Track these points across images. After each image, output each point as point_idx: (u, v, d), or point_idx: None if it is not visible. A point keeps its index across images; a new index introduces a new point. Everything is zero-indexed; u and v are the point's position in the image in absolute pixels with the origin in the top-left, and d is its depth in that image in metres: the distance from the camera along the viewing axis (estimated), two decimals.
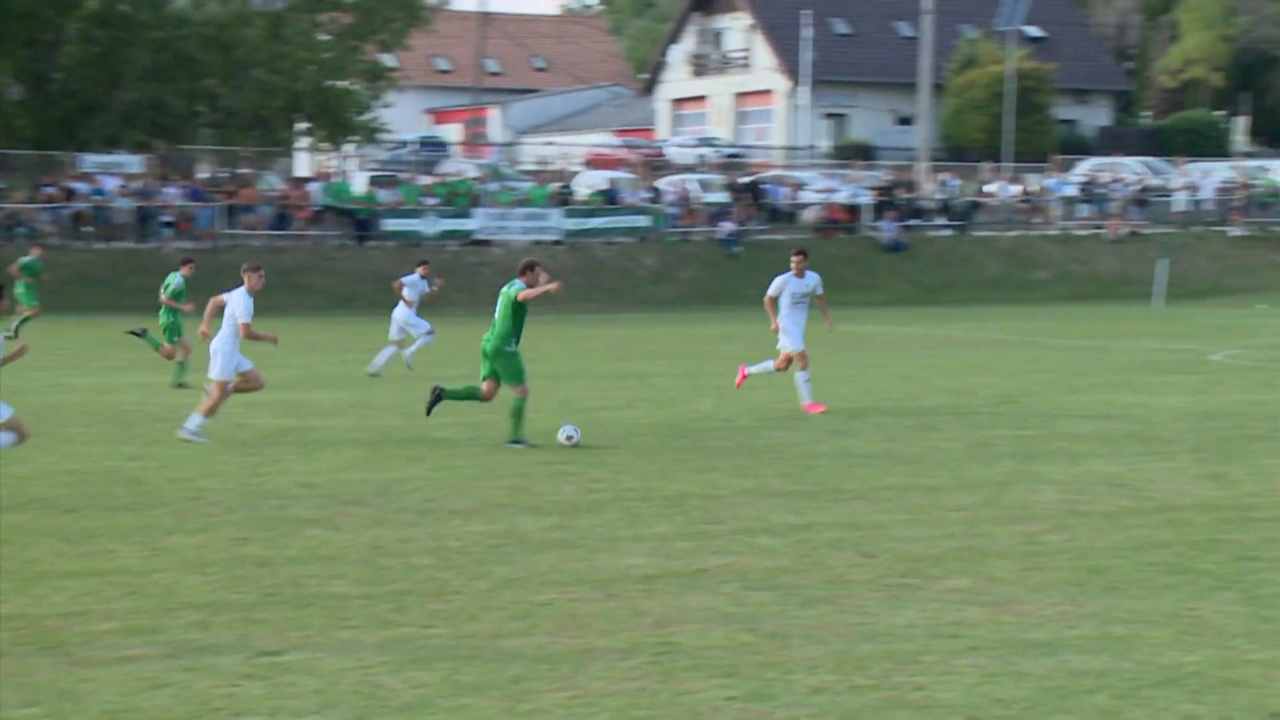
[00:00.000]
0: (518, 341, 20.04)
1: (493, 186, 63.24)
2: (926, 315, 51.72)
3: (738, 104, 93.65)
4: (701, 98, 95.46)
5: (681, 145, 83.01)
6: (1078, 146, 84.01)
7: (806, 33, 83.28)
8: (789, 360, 23.95)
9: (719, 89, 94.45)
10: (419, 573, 13.03)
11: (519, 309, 19.83)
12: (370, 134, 68.51)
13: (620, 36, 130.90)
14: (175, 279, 28.30)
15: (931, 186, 69.17)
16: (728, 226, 61.79)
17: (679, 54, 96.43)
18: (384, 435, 21.56)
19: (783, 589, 12.65)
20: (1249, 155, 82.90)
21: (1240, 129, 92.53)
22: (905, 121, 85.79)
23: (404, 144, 78.03)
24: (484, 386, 20.36)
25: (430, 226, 59.02)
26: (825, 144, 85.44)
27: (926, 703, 9.68)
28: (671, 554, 13.88)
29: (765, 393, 25.97)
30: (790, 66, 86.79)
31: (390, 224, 59.01)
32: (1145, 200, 68.74)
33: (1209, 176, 70.89)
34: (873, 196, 65.40)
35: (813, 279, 23.88)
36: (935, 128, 79.29)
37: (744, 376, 24.89)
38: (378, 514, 15.62)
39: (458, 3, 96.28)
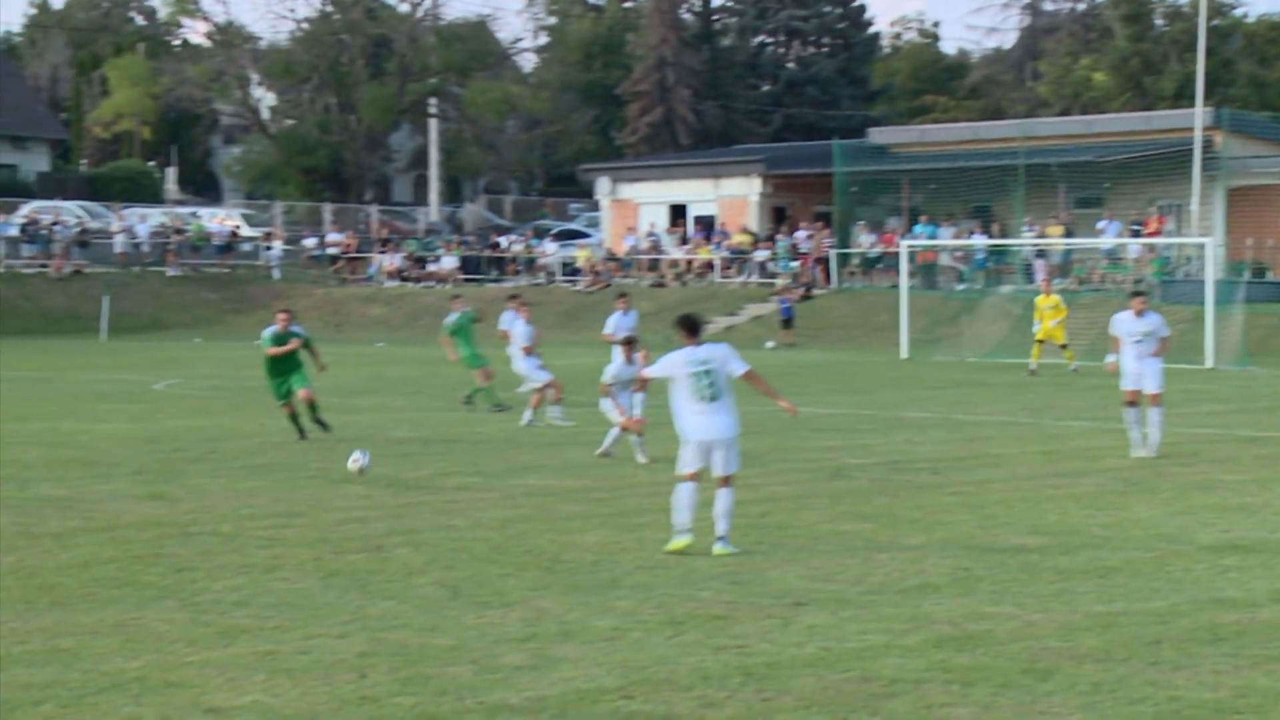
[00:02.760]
0: None
1: None
2: None
3: None
4: None
5: None
6: (19, 190, 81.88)
7: None
8: None
9: None
10: None
11: None
12: None
13: None
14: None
15: None
16: None
17: None
18: None
19: None
20: (180, 202, 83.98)
21: (171, 178, 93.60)
22: None
23: None
24: None
25: None
26: None
27: None
28: None
29: None
30: None
31: None
32: (86, 241, 68.08)
33: (145, 221, 71.17)
34: None
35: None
36: None
37: None
38: None
39: None
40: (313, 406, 24.16)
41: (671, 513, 14.63)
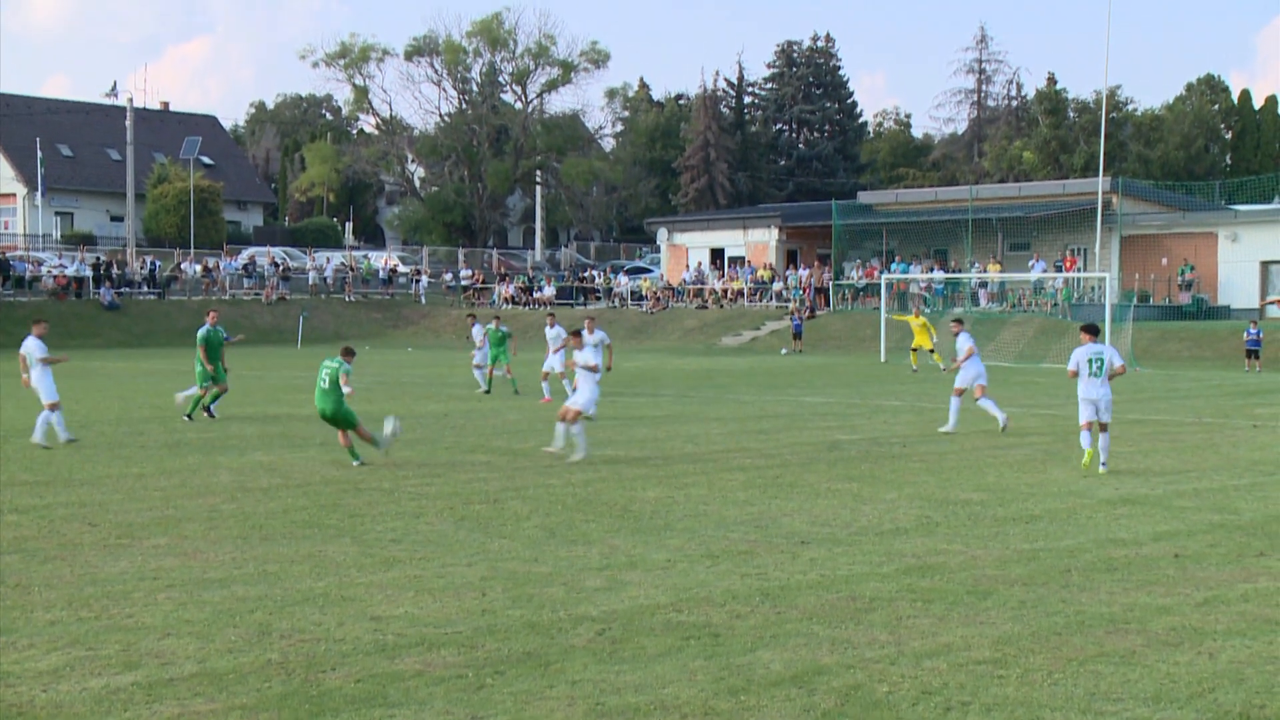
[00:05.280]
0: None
1: None
2: (136, 355, 49.23)
3: None
4: None
5: None
6: (241, 239, 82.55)
7: (39, 154, 77.47)
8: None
9: None
10: None
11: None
12: None
13: None
14: None
15: (138, 264, 65.89)
16: None
17: None
18: None
19: (26, 551, 11.68)
20: (355, 247, 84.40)
21: (348, 230, 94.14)
22: (117, 219, 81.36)
23: None
24: None
25: None
26: (57, 233, 79.62)
27: (134, 625, 9.22)
28: None
29: None
30: (28, 177, 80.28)
31: None
32: (289, 276, 68.48)
33: (330, 261, 71.56)
34: (93, 270, 61.67)
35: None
36: (139, 223, 75.71)
37: None
38: None
39: None
40: (199, 400, 23.65)
41: (1081, 442, 16.82)
